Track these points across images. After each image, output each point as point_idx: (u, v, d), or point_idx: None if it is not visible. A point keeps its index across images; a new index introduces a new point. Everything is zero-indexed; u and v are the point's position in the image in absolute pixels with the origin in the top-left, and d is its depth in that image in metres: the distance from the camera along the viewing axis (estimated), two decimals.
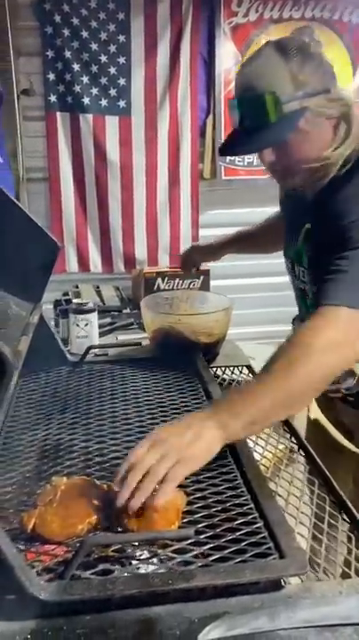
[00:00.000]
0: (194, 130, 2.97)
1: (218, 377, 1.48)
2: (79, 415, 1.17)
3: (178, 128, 2.95)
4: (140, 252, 3.03)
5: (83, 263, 3.02)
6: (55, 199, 2.94)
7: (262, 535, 0.81)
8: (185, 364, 1.42)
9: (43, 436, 1.09)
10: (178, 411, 1.17)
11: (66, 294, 2.83)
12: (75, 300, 1.62)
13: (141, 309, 1.59)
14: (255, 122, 1.05)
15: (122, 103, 2.89)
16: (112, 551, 0.77)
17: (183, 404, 1.20)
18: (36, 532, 0.78)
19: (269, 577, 0.73)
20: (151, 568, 0.75)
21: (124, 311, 2.48)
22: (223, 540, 0.79)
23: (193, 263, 1.76)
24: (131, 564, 0.76)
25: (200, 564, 0.75)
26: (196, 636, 0.67)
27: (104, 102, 2.88)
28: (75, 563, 0.71)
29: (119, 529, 0.80)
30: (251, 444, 1.14)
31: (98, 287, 2.83)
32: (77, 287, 2.83)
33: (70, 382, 1.33)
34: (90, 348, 1.41)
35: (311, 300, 1.25)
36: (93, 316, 1.59)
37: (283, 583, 0.75)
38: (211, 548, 0.78)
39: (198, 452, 0.87)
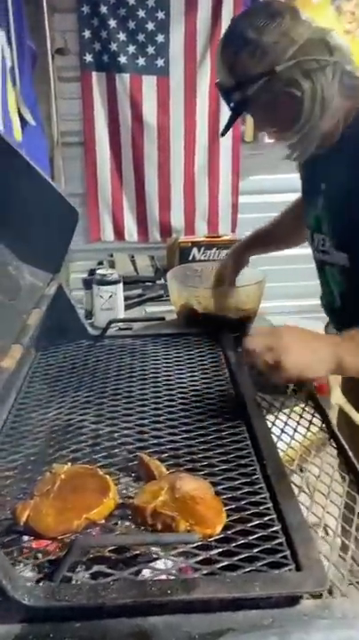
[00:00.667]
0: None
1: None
2: (93, 394, 1.10)
3: None
4: (177, 219, 2.92)
5: (119, 231, 2.93)
6: (90, 164, 2.85)
7: (278, 541, 0.72)
8: (211, 342, 1.32)
9: (53, 416, 1.03)
10: (198, 394, 1.09)
11: (100, 263, 2.77)
12: (99, 271, 1.54)
13: (168, 281, 1.50)
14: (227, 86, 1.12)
15: (160, 62, 2.75)
16: (109, 551, 0.70)
17: (205, 388, 1.11)
18: (29, 525, 0.72)
19: (281, 593, 0.64)
20: (150, 573, 0.68)
21: (158, 282, 2.40)
22: (233, 544, 0.71)
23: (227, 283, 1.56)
24: (128, 566, 0.69)
25: (205, 572, 0.67)
26: None
27: (141, 61, 2.74)
28: (65, 565, 0.65)
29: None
30: (277, 430, 1.05)
31: (133, 257, 2.75)
32: (112, 256, 2.76)
33: (89, 358, 1.26)
34: (111, 322, 1.34)
35: (331, 270, 1.23)
36: (118, 288, 1.51)
37: (298, 597, 0.66)
38: (219, 554, 0.70)
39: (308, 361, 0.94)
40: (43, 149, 2.63)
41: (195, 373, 1.18)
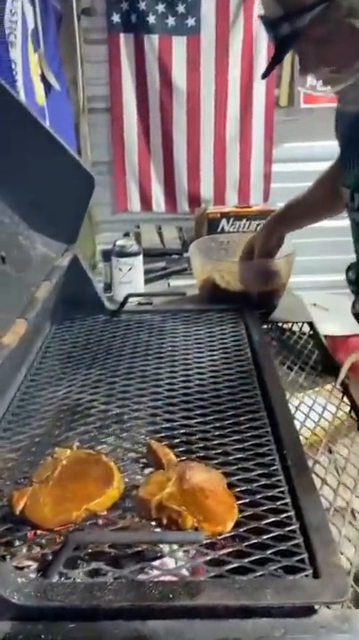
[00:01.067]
0: (270, 50, 2.64)
1: (272, 338, 1.30)
2: (106, 372, 1.04)
3: (252, 48, 2.63)
4: (206, 189, 2.81)
5: (146, 202, 2.85)
6: (117, 131, 2.76)
7: (295, 542, 0.65)
8: (234, 319, 1.25)
9: (63, 395, 0.98)
10: (217, 375, 1.02)
11: (127, 235, 2.70)
12: (118, 242, 1.47)
13: (190, 254, 1.42)
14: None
15: (190, 21, 2.61)
16: (109, 546, 0.64)
17: (224, 369, 1.04)
18: (25, 514, 0.67)
19: (295, 603, 0.58)
20: (152, 573, 0.62)
21: (185, 255, 2.32)
22: (245, 543, 0.65)
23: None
24: (129, 564, 0.64)
25: (212, 574, 0.61)
26: None
27: (171, 21, 2.60)
28: (59, 561, 0.60)
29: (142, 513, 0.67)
30: (305, 409, 0.98)
31: (160, 228, 2.67)
32: (139, 227, 2.69)
33: (104, 334, 1.20)
34: (129, 296, 1.27)
35: None
36: (137, 260, 1.44)
37: (315, 607, 0.59)
38: (228, 554, 0.64)
39: None
40: (68, 115, 2.55)
41: (215, 353, 1.11)
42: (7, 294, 0.90)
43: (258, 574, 0.61)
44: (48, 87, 2.21)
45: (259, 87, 2.71)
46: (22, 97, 1.85)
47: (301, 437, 0.86)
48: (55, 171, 1.12)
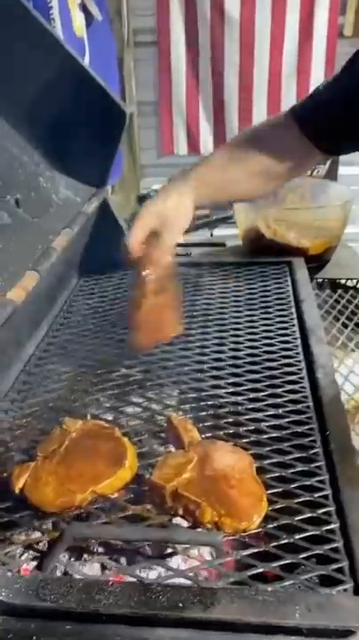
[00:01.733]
0: None
1: (322, 296, 1.16)
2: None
3: None
4: None
5: (193, 144, 2.67)
6: (164, 67, 2.57)
7: (334, 546, 0.55)
8: (279, 274, 1.11)
9: (84, 354, 0.89)
10: (255, 339, 0.90)
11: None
12: (154, 187, 1.34)
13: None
14: None
15: None
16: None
17: (264, 331, 0.92)
18: (25, 494, 0.59)
19: (329, 626, 0.48)
20: (159, 573, 0.54)
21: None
22: (274, 543, 0.55)
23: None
24: (136, 561, 0.55)
25: (231, 580, 0.52)
26: None
27: None
28: (54, 556, 0.52)
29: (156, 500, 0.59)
30: (340, 379, 0.86)
31: None
32: None
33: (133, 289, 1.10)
34: None
35: None
36: None
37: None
38: (252, 555, 0.54)
39: None
40: (110, 49, 2.37)
41: (255, 312, 0.98)
42: (20, 243, 0.80)
43: (286, 584, 0.51)
44: (89, 18, 2.04)
45: (321, 14, 2.43)
46: (58, 27, 1.71)
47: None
48: (82, 103, 1.00)
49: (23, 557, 0.57)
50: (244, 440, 0.68)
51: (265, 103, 2.57)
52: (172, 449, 0.67)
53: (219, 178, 0.87)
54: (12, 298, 0.68)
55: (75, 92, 0.98)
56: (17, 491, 0.60)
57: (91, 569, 0.56)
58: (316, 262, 1.23)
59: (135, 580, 0.52)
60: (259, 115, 2.58)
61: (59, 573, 0.56)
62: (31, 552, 0.57)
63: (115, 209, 2.14)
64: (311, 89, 2.51)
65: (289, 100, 2.56)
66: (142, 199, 1.40)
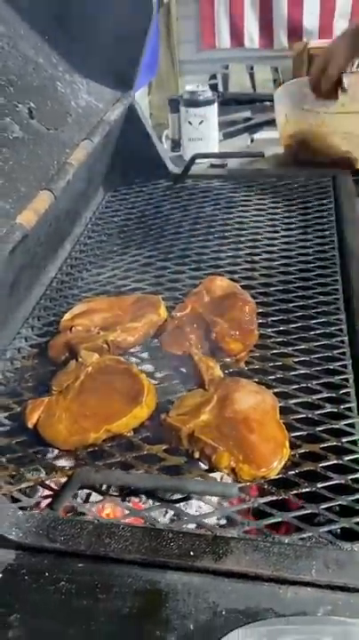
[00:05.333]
0: None
1: None
2: (157, 254, 0.89)
3: None
4: (310, 18, 2.31)
5: (237, 35, 2.41)
6: None
7: (358, 497, 0.52)
8: (322, 190, 1.01)
9: (105, 279, 0.85)
10: (289, 264, 0.83)
11: (213, 77, 2.36)
12: (188, 88, 1.21)
13: (275, 101, 1.15)
14: None
15: None
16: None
17: (300, 254, 0.85)
18: (38, 430, 0.58)
19: (347, 584, 0.45)
20: (171, 517, 0.52)
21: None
22: (294, 491, 0.52)
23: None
24: (150, 502, 0.54)
25: (246, 528, 0.50)
26: (216, 637, 0.45)
27: None
28: (65, 496, 0.51)
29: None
30: None
31: (252, 68, 2.29)
32: (227, 68, 2.32)
33: (163, 205, 1.03)
34: (195, 157, 1.06)
35: None
36: (211, 111, 1.19)
37: None
38: (270, 503, 0.51)
39: None
40: None
41: (292, 233, 0.91)
42: (34, 159, 0.74)
43: (304, 536, 0.49)
44: None
45: None
46: None
47: None
48: None
49: (36, 496, 0.56)
50: (270, 377, 0.64)
51: None
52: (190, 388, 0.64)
53: None
54: (22, 222, 0.63)
55: None
56: (30, 426, 0.59)
57: (103, 510, 0.55)
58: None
59: (147, 524, 0.50)
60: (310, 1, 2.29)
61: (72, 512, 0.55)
62: (44, 490, 0.56)
63: (153, 111, 1.99)
64: None
65: None
66: (174, 102, 1.27)
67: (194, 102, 1.18)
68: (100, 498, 0.55)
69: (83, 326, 0.70)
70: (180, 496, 0.54)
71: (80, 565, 0.51)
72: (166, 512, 0.54)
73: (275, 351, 0.68)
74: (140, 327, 0.69)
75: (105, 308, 0.73)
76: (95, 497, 0.57)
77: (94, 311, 0.73)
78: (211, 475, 0.54)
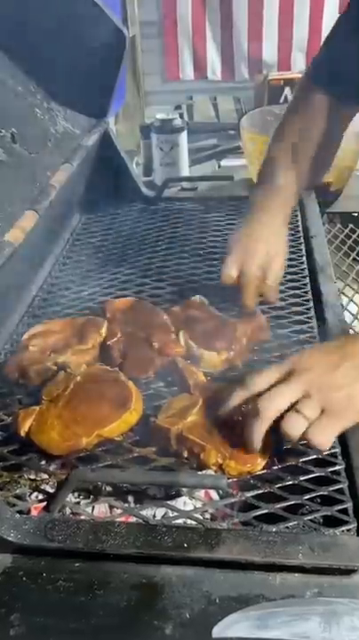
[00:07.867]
0: None
1: (330, 230, 1.12)
2: (136, 271, 0.92)
3: None
4: (269, 52, 2.45)
5: (200, 67, 2.53)
6: None
7: (338, 487, 0.55)
8: None
9: (87, 296, 0.88)
10: None
11: (178, 107, 2.44)
12: (158, 116, 1.27)
13: (241, 129, 1.22)
14: None
15: None
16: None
17: None
18: (31, 437, 0.60)
19: (332, 565, 0.49)
20: (165, 514, 0.55)
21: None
22: (278, 485, 0.55)
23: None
24: (143, 502, 0.56)
25: (236, 519, 0.53)
26: (212, 623, 0.48)
27: None
28: (62, 498, 0.53)
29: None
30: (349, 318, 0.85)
31: (215, 99, 2.38)
32: (192, 99, 2.41)
33: (138, 225, 1.07)
34: (168, 180, 1.11)
35: None
36: (181, 137, 1.25)
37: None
38: (257, 497, 0.54)
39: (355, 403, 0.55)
40: None
41: None
42: (18, 181, 0.77)
43: (290, 524, 0.52)
44: None
45: None
46: None
47: None
48: (79, 27, 0.93)
49: (31, 498, 0.58)
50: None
51: (276, 21, 2.41)
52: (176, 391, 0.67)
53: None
54: (10, 240, 0.66)
55: (72, 15, 0.91)
56: (22, 434, 0.60)
57: (98, 510, 0.57)
58: (328, 197, 1.18)
59: (141, 520, 0.53)
60: (270, 34, 2.43)
61: (67, 514, 0.57)
62: (39, 494, 0.58)
63: (120, 139, 2.05)
64: (326, 4, 2.32)
65: (301, 16, 2.40)
66: (145, 130, 1.33)
67: (165, 129, 1.24)
68: (93, 499, 0.57)
69: (39, 347, 0.71)
70: (171, 494, 0.57)
71: (77, 565, 0.53)
72: (157, 509, 0.56)
73: (254, 358, 0.72)
74: (90, 350, 0.70)
75: (59, 329, 0.75)
76: (88, 500, 0.59)
77: (50, 332, 0.74)
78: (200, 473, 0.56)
